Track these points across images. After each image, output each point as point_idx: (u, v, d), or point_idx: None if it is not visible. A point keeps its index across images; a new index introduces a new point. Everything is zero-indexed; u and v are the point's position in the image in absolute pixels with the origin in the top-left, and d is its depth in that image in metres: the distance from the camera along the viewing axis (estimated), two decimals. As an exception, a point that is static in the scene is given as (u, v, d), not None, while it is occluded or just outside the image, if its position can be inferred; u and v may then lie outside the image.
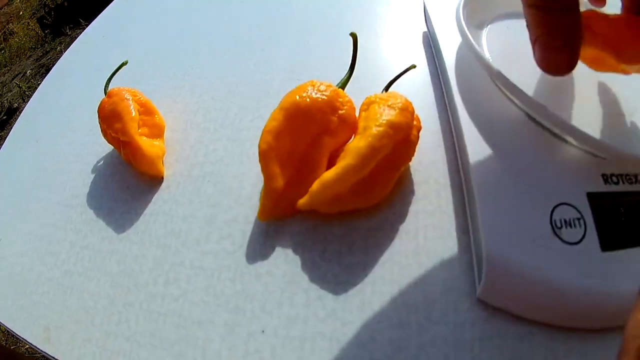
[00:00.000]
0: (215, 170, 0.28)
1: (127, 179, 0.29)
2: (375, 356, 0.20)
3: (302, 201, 0.22)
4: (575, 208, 0.22)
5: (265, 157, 0.23)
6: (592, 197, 0.22)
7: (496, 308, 0.22)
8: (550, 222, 0.21)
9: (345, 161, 0.21)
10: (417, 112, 0.26)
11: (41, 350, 0.26)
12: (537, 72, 0.22)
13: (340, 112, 0.24)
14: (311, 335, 0.21)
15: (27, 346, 0.86)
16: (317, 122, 0.23)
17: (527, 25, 0.19)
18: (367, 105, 0.24)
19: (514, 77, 0.22)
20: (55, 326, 0.26)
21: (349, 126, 0.24)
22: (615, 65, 0.23)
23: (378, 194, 0.23)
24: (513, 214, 0.21)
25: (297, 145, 0.24)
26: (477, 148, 0.23)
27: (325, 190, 0.22)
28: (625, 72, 0.24)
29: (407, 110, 0.23)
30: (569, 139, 0.23)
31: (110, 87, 0.31)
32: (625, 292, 0.21)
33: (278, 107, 0.24)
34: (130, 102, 0.29)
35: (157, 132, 0.30)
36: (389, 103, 0.23)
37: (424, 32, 0.33)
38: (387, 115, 0.22)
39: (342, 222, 0.24)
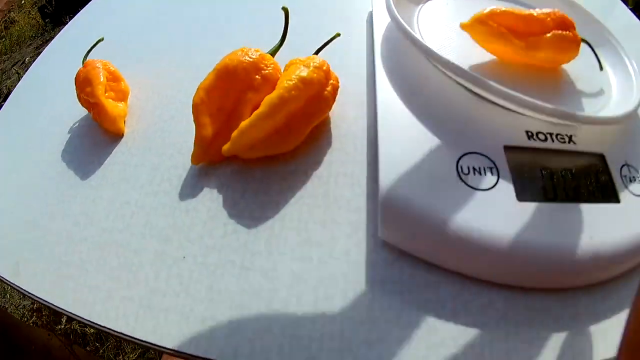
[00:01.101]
0: (166, 127, 0.31)
1: (95, 136, 0.33)
2: (276, 285, 0.23)
3: (225, 147, 0.25)
4: (488, 157, 0.22)
5: (197, 109, 0.27)
6: (509, 150, 0.22)
7: (402, 253, 0.23)
8: (456, 167, 0.22)
9: (258, 110, 0.25)
10: (348, 78, 0.29)
11: (11, 283, 0.30)
12: (463, 43, 0.25)
13: (263, 72, 0.27)
14: (223, 263, 0.24)
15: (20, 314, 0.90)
16: (242, 80, 0.26)
17: None
18: (288, 66, 0.27)
19: (444, 48, 0.25)
20: (24, 260, 0.30)
21: (271, 84, 0.27)
22: (522, 56, 0.24)
23: (292, 142, 0.26)
24: (416, 157, 0.22)
25: (225, 100, 0.27)
26: (388, 98, 0.24)
27: (242, 136, 0.25)
28: (538, 63, 0.25)
29: (320, 68, 0.26)
30: (476, 90, 0.24)
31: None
32: (539, 246, 0.20)
33: (212, 69, 0.27)
34: (101, 70, 0.33)
35: (122, 96, 0.34)
36: (305, 63, 0.26)
37: (369, 12, 0.35)
38: (300, 72, 0.25)
39: (263, 167, 0.27)
